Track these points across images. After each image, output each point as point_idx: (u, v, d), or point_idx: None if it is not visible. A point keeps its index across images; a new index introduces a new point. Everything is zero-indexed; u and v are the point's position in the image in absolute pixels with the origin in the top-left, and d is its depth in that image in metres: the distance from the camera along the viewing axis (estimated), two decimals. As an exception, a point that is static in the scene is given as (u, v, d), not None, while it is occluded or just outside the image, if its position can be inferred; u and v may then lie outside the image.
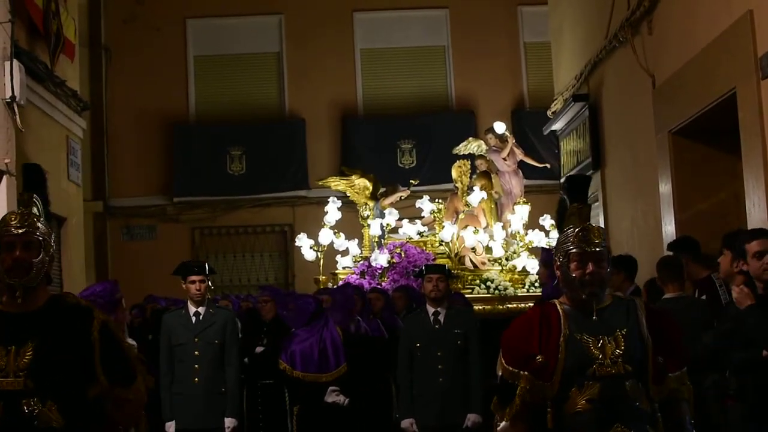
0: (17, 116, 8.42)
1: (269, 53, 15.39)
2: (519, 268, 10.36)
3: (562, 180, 11.43)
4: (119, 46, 14.87)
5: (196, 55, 15.25)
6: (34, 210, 3.31)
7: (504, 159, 11.36)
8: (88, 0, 14.26)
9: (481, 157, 11.51)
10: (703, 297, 5.78)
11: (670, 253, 6.23)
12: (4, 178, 8.24)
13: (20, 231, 3.23)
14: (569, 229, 3.32)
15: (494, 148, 11.45)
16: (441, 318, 6.59)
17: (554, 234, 10.81)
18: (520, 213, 10.78)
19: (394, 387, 7.14)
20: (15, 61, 8.33)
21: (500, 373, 3.36)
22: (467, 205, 10.74)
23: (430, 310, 6.64)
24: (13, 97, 8.30)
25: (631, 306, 3.35)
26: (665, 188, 7.82)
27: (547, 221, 10.97)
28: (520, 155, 11.55)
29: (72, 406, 3.18)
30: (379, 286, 9.50)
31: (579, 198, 3.38)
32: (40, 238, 3.26)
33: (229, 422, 6.57)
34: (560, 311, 3.31)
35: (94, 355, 3.22)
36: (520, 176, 11.51)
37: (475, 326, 6.68)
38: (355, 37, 15.26)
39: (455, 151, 11.80)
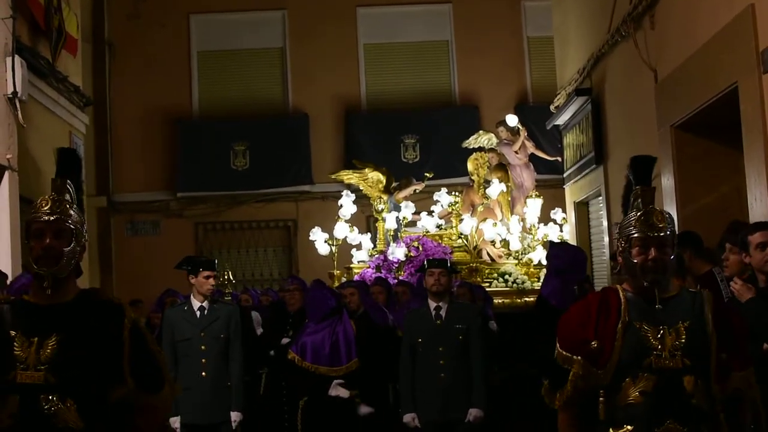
0: (19, 112, 8.44)
1: (273, 49, 15.37)
2: (535, 262, 10.30)
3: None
4: (123, 42, 14.85)
5: (199, 51, 15.24)
6: (67, 197, 3.12)
7: (516, 152, 11.27)
8: (91, -4, 14.29)
9: (491, 150, 11.40)
10: (705, 292, 5.77)
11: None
12: (6, 173, 8.25)
13: (51, 218, 3.04)
14: (632, 212, 3.20)
15: (505, 141, 11.37)
16: (442, 313, 6.57)
17: (567, 228, 10.84)
18: (533, 206, 10.74)
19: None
20: (17, 57, 8.35)
21: (554, 357, 3.25)
22: (486, 197, 10.66)
23: (432, 305, 6.62)
24: (15, 92, 8.32)
25: (697, 299, 3.19)
26: (667, 183, 7.80)
27: (558, 215, 10.95)
28: (531, 148, 11.47)
29: (92, 407, 3.00)
30: (406, 280, 9.35)
31: (643, 180, 3.25)
32: (72, 227, 3.08)
33: (235, 416, 6.59)
34: (622, 297, 3.17)
35: (123, 355, 3.05)
36: (532, 169, 11.43)
37: (477, 321, 6.65)
38: (358, 33, 15.23)
39: (465, 144, 11.72)
